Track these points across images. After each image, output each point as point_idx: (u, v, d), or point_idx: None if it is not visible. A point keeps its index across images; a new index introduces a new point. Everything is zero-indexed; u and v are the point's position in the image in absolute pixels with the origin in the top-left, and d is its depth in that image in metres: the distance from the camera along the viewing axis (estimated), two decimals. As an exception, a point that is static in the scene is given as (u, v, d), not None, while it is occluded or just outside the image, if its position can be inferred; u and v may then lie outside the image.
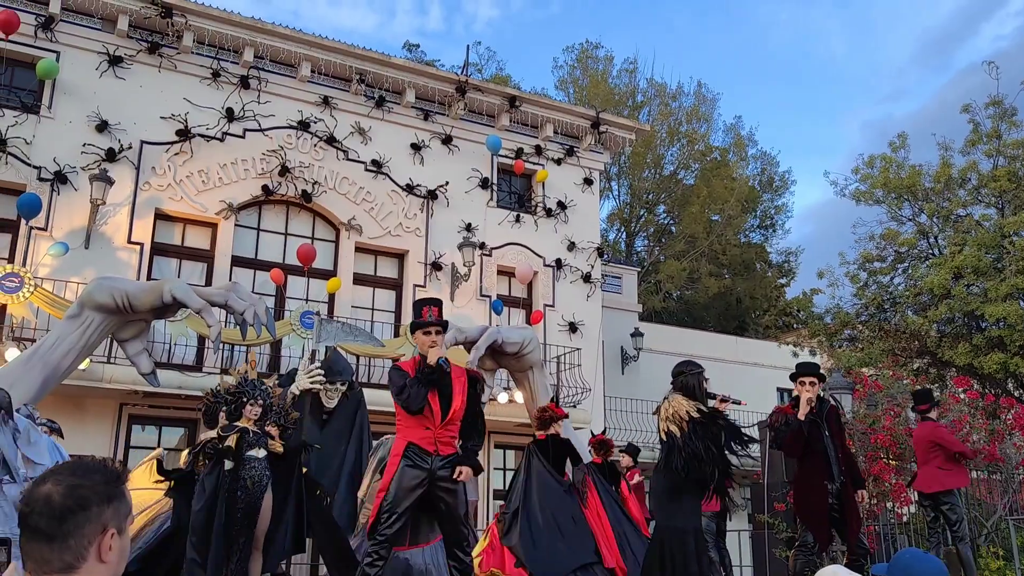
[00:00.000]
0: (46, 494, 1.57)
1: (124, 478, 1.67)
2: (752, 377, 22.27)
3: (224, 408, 6.83)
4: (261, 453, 6.74)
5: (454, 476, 5.36)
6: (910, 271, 19.40)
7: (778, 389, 24.15)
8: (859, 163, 20.04)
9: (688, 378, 5.79)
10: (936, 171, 18.98)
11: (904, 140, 19.86)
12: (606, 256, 20.69)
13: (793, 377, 6.73)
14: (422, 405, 5.31)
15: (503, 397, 14.02)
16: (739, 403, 5.86)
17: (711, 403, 5.73)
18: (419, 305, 5.71)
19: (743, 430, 5.88)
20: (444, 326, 5.62)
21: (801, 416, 6.41)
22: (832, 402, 6.95)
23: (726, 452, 5.66)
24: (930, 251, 19.41)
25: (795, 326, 27.67)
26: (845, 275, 20.07)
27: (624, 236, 34.08)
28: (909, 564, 2.25)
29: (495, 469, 15.56)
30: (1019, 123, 18.48)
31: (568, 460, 7.87)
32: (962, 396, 12.13)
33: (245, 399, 6.71)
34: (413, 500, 5.35)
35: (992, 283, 16.59)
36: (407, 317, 14.94)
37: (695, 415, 5.54)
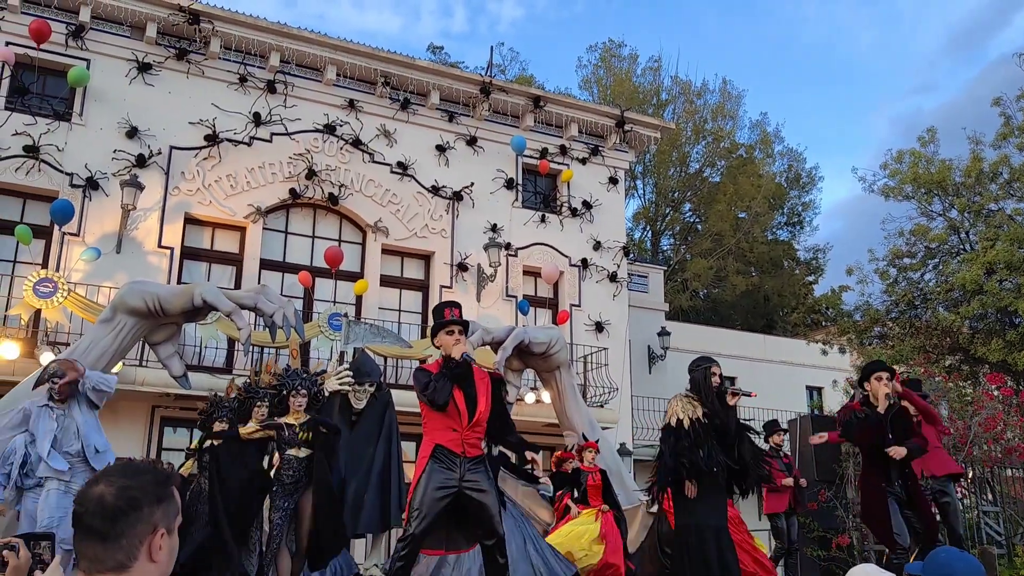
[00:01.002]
0: (99, 494, 1.63)
1: (173, 479, 1.72)
2: (781, 375, 22.13)
3: (262, 403, 7.03)
4: (301, 452, 6.82)
5: (528, 464, 5.50)
6: (941, 267, 19.16)
7: (807, 387, 23.97)
8: (887, 158, 19.84)
9: (695, 374, 5.81)
10: (967, 165, 18.73)
11: (933, 134, 19.62)
12: (632, 255, 20.63)
13: (865, 377, 6.77)
14: (447, 398, 5.28)
15: (530, 397, 14.03)
16: (749, 395, 5.83)
17: (725, 397, 5.74)
18: (439, 308, 5.72)
19: (748, 431, 5.83)
20: (465, 325, 5.63)
21: (882, 409, 6.44)
22: (900, 404, 6.87)
23: (746, 452, 5.64)
24: (961, 246, 19.15)
25: (824, 324, 27.43)
26: (875, 272, 19.87)
27: (650, 235, 33.96)
28: (947, 563, 2.22)
29: (523, 469, 15.56)
30: (1051, 115, 18.19)
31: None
32: (996, 393, 11.95)
33: (285, 391, 6.83)
34: (443, 505, 5.33)
35: (1025, 278, 16.35)
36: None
37: (692, 418, 5.56)
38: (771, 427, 10.00)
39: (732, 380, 6.36)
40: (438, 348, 5.60)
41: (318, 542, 6.92)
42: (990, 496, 10.47)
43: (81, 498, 1.64)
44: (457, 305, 5.73)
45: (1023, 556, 9.41)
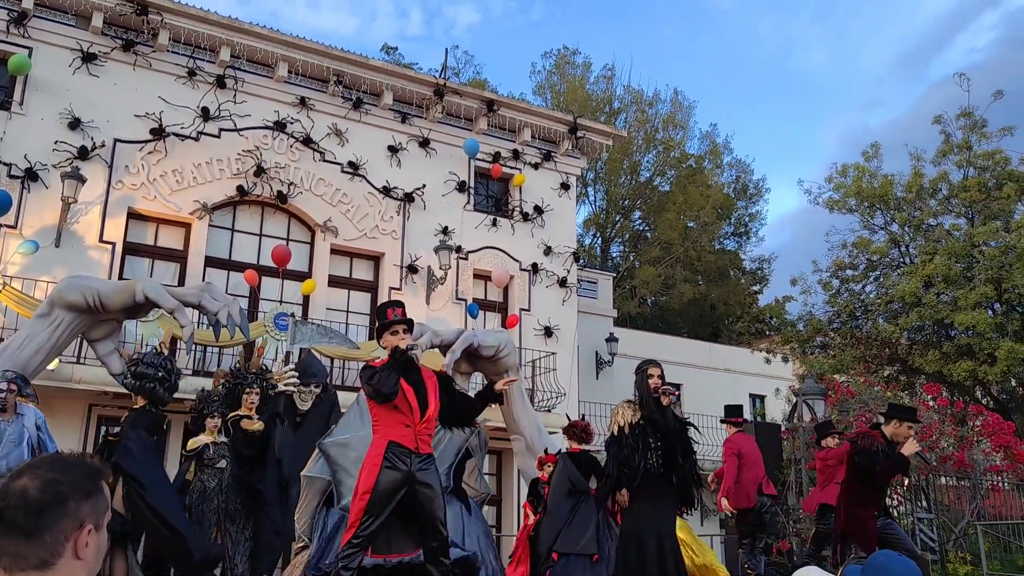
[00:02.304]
0: (22, 488, 1.54)
1: (103, 473, 1.64)
2: (725, 383, 22.42)
3: (251, 389, 6.98)
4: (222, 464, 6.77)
5: (496, 390, 5.69)
6: (881, 279, 19.65)
7: (750, 395, 24.34)
8: (833, 172, 20.30)
9: (636, 378, 5.84)
10: (908, 181, 19.26)
11: (877, 150, 20.14)
12: (582, 261, 20.74)
13: (896, 417, 6.80)
14: (393, 388, 5.18)
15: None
16: (674, 392, 5.84)
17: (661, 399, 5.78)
18: (383, 309, 5.66)
19: (687, 428, 5.88)
20: (410, 324, 5.59)
21: (909, 453, 6.58)
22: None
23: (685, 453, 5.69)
24: (901, 260, 19.67)
25: (768, 333, 27.90)
26: (818, 283, 20.33)
27: (600, 241, 34.20)
28: (885, 566, 2.27)
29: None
30: (989, 135, 18.81)
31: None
32: (932, 403, 12.28)
33: (241, 386, 6.74)
34: (391, 504, 5.26)
35: (962, 292, 16.84)
36: (382, 320, 14.88)
37: (630, 423, 5.61)
38: (824, 428, 9.35)
39: (678, 387, 6.36)
40: (384, 349, 5.54)
41: None
42: (924, 503, 10.73)
43: (3, 492, 1.55)
44: (400, 304, 5.68)
45: (955, 562, 9.66)
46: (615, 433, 5.68)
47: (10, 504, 1.53)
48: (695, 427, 5.84)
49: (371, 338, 14.27)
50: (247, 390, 7.30)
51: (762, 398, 24.18)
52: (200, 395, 7.95)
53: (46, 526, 1.52)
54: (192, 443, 7.60)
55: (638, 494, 5.57)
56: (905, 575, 2.22)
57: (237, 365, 7.52)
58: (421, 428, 5.34)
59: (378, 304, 6.70)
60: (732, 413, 9.53)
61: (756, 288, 34.98)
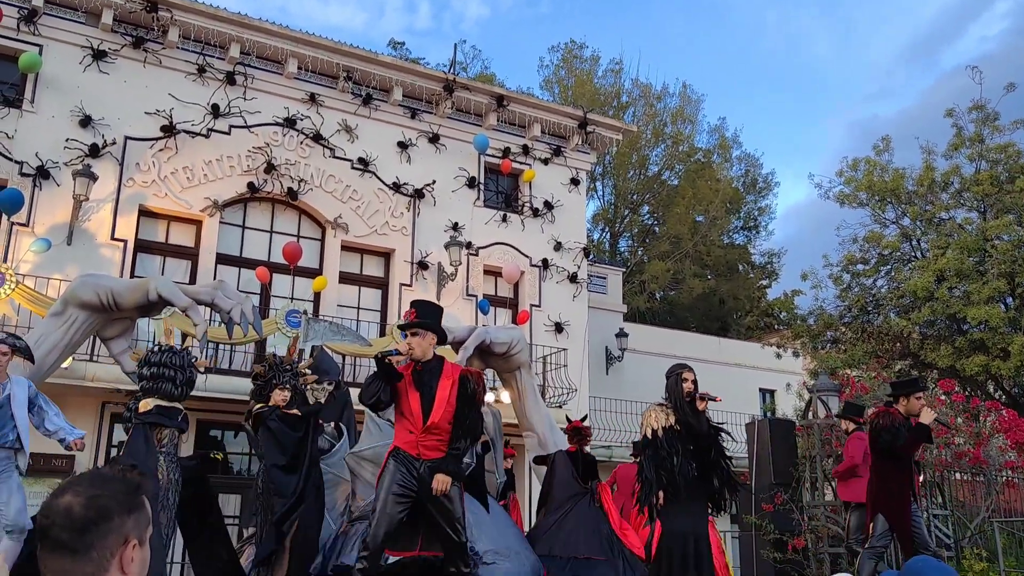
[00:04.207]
0: (66, 505, 1.53)
1: (144, 488, 1.62)
2: (735, 377, 22.33)
3: (283, 388, 6.85)
4: None
5: (435, 486, 5.20)
6: (893, 273, 19.53)
7: (760, 390, 24.26)
8: (843, 166, 20.18)
9: (669, 381, 5.86)
10: (919, 174, 19.13)
11: (888, 143, 20.02)
12: (591, 256, 20.70)
13: (903, 393, 6.88)
14: (376, 398, 5.23)
15: (490, 397, 13.95)
16: (715, 399, 5.88)
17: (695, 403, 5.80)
18: (409, 309, 5.70)
19: (720, 433, 5.91)
20: (424, 327, 5.50)
21: (928, 422, 6.63)
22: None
23: (717, 458, 5.71)
24: (913, 254, 19.55)
25: (777, 327, 27.80)
26: (828, 277, 20.21)
27: (609, 236, 34.12)
28: (924, 571, 2.23)
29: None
30: (1001, 127, 18.66)
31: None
32: (945, 398, 12.20)
33: (275, 382, 6.69)
34: (403, 506, 5.26)
35: (974, 286, 16.73)
36: (393, 316, 14.89)
37: (664, 426, 5.60)
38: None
39: (696, 387, 6.39)
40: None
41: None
42: (940, 500, 10.67)
43: (46, 510, 1.54)
44: (413, 306, 5.67)
45: (971, 559, 9.61)
46: (648, 436, 5.68)
47: (55, 522, 1.52)
48: (728, 433, 5.85)
49: (382, 335, 14.27)
50: (281, 386, 6.99)
51: (772, 393, 24.09)
52: (271, 360, 7.46)
53: (92, 543, 1.52)
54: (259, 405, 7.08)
55: (673, 497, 5.59)
56: (943, 582, 2.20)
57: (279, 357, 7.30)
58: (424, 436, 5.31)
59: (393, 301, 6.65)
60: (853, 411, 9.08)
61: (765, 282, 34.86)
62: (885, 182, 19.26)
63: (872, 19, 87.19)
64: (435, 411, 5.29)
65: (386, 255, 15.67)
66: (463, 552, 5.40)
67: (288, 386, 6.83)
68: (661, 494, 5.56)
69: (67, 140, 13.06)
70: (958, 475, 11.19)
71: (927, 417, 6.63)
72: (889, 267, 19.77)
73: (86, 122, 13.26)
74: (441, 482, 5.19)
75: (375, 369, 5.30)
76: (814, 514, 10.01)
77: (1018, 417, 11.35)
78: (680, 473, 5.52)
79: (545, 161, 17.31)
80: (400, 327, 5.50)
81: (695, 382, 5.81)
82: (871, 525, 6.88)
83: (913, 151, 23.54)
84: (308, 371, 7.36)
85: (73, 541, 1.51)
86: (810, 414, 10.91)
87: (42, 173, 12.77)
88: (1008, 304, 17.59)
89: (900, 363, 18.83)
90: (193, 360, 6.58)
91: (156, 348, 6.59)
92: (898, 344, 18.96)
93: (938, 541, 9.99)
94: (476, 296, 15.74)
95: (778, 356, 20.94)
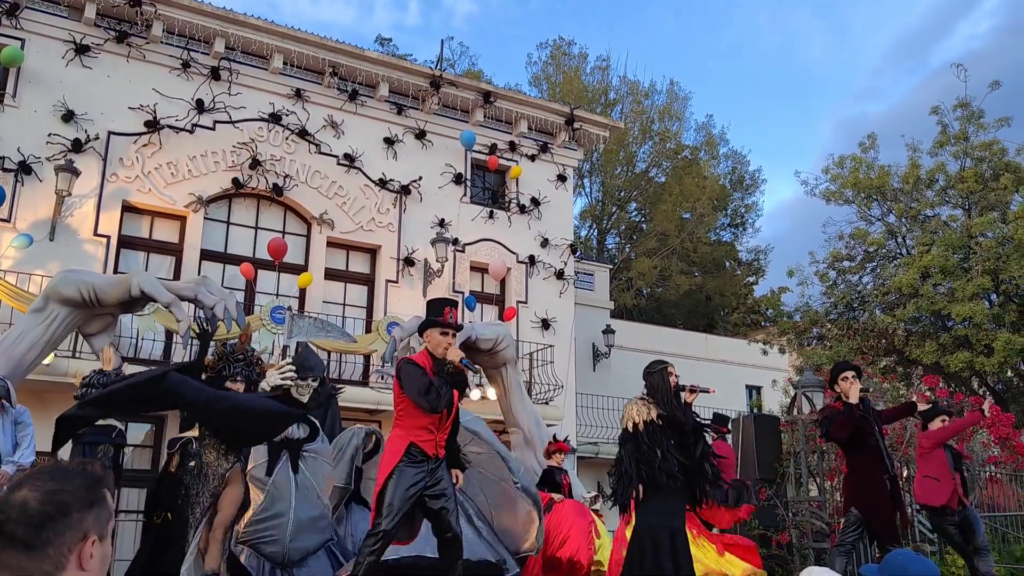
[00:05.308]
0: (22, 500, 1.49)
1: (105, 482, 1.59)
2: (721, 374, 22.39)
3: (233, 381, 6.51)
4: None
5: (454, 481, 5.45)
6: (879, 270, 19.64)
7: (747, 386, 24.35)
8: (829, 163, 20.26)
9: (653, 378, 5.86)
10: (905, 172, 19.23)
11: (874, 140, 20.11)
12: (578, 253, 20.70)
13: (834, 379, 7.09)
14: (448, 406, 5.27)
15: (475, 394, 13.95)
16: (708, 391, 5.90)
17: (683, 396, 5.80)
18: (441, 304, 5.61)
19: (706, 430, 5.94)
20: (457, 330, 5.63)
21: (854, 400, 6.75)
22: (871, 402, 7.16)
23: (700, 453, 5.70)
24: (898, 251, 19.65)
25: (764, 324, 27.92)
26: (815, 274, 20.30)
27: (596, 233, 34.14)
28: (904, 566, 2.23)
29: (466, 466, 15.51)
30: (986, 125, 18.77)
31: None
32: (930, 394, 12.26)
33: (225, 374, 6.44)
34: (413, 501, 5.28)
35: (959, 283, 16.83)
36: (379, 313, 14.84)
37: (646, 420, 5.60)
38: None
39: (678, 381, 6.37)
40: (423, 343, 5.51)
41: None
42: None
43: (2, 505, 1.50)
44: (456, 306, 5.68)
45: (953, 553, 9.66)
46: (630, 430, 5.67)
47: (10, 517, 1.48)
48: (714, 428, 5.86)
49: (368, 331, 14.23)
50: (232, 378, 6.43)
51: (758, 389, 24.18)
52: (220, 351, 6.93)
53: (49, 539, 1.48)
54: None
55: (652, 491, 5.58)
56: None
57: (230, 346, 6.92)
58: (441, 435, 5.39)
59: (433, 297, 6.53)
60: (931, 415, 8.04)
61: (752, 279, 34.99)
62: (871, 179, 19.35)
63: (864, 18, 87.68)
64: (452, 411, 5.39)
65: (372, 251, 15.62)
66: (460, 544, 5.48)
67: (240, 378, 6.38)
68: (641, 487, 5.56)
69: (49, 135, 12.94)
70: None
71: (853, 395, 6.77)
72: (874, 264, 19.88)
73: (69, 117, 13.14)
74: (460, 477, 5.49)
75: (443, 376, 5.26)
76: (798, 510, 10.04)
77: (1001, 413, 11.43)
78: (661, 468, 5.51)
79: (532, 158, 17.28)
80: (453, 329, 5.48)
81: (677, 376, 5.85)
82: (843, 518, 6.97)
83: (900, 149, 23.66)
84: (261, 360, 7.05)
85: (29, 537, 1.47)
86: (795, 410, 10.94)
87: (24, 168, 12.65)
88: (992, 301, 17.71)
89: (885, 359, 18.94)
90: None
91: (93, 372, 6.79)
92: (883, 340, 19.06)
93: (921, 536, 10.06)
94: (462, 292, 15.70)
95: (764, 352, 21.01)
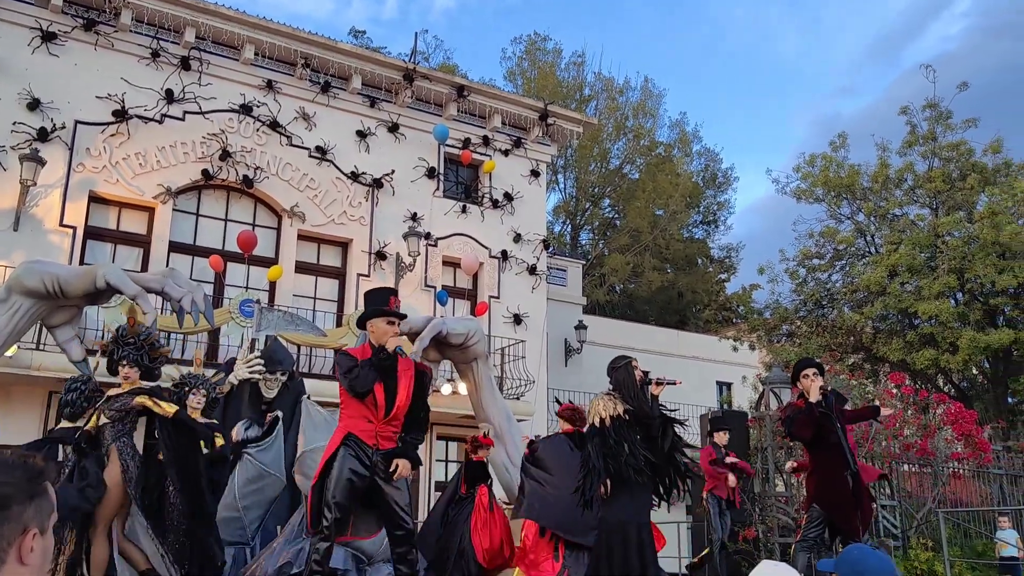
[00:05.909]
0: None
1: (47, 474, 1.55)
2: (692, 370, 22.54)
3: (197, 391, 6.62)
4: None
5: (390, 470, 5.28)
6: (847, 268, 19.86)
7: (717, 382, 24.53)
8: (801, 161, 20.44)
9: (618, 373, 5.87)
10: (874, 171, 19.44)
11: (844, 140, 20.31)
12: (551, 248, 20.72)
13: (795, 375, 7.05)
14: (368, 388, 5.21)
15: (446, 389, 13.94)
16: (674, 383, 5.91)
17: (649, 388, 5.81)
18: (384, 294, 5.63)
19: (674, 422, 5.92)
20: (402, 319, 5.58)
21: (813, 399, 6.71)
22: (836, 396, 7.14)
23: (670, 446, 5.72)
24: (867, 249, 19.88)
25: (734, 321, 28.10)
26: (785, 271, 20.48)
27: (569, 229, 34.20)
28: (859, 559, 2.25)
29: (437, 460, 15.49)
30: (953, 126, 19.02)
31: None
32: (896, 391, 12.42)
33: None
34: (354, 493, 5.25)
35: (925, 281, 17.05)
36: (350, 306, 14.75)
37: (612, 415, 5.62)
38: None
39: (646, 374, 6.35)
40: (365, 331, 5.53)
41: None
42: (887, 491, 10.87)
43: None
44: (397, 295, 5.69)
45: (917, 548, 9.80)
46: (596, 425, 5.68)
47: None
48: (680, 422, 5.85)
49: (339, 325, 14.14)
50: (121, 363, 6.34)
51: (729, 385, 24.36)
52: (114, 333, 6.78)
53: None
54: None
55: (619, 485, 5.59)
56: (879, 571, 2.21)
57: (122, 328, 6.52)
58: (383, 426, 5.35)
59: (374, 287, 6.45)
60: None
61: (724, 276, 35.22)
62: (841, 178, 19.55)
63: (839, 16, 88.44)
64: (398, 402, 5.33)
65: (343, 245, 15.53)
66: (412, 537, 5.46)
67: (131, 361, 6.24)
68: (608, 482, 5.57)
69: (14, 123, 12.73)
70: (906, 467, 11.40)
71: (815, 393, 6.77)
72: (843, 262, 20.10)
73: (34, 105, 12.92)
74: (405, 467, 5.31)
75: (371, 359, 5.23)
76: (765, 505, 10.13)
77: (965, 409, 11.59)
78: (627, 463, 5.53)
79: (505, 152, 17.26)
80: (398, 316, 5.46)
81: (641, 369, 5.87)
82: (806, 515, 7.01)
83: (871, 148, 23.87)
84: (158, 344, 6.83)
85: None
86: (763, 406, 11.03)
87: (-12, 157, 12.43)
88: (957, 299, 17.97)
89: (853, 356, 19.15)
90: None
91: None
92: (851, 338, 19.28)
93: (886, 531, 10.18)
94: (434, 287, 15.66)
95: (735, 349, 21.17)
